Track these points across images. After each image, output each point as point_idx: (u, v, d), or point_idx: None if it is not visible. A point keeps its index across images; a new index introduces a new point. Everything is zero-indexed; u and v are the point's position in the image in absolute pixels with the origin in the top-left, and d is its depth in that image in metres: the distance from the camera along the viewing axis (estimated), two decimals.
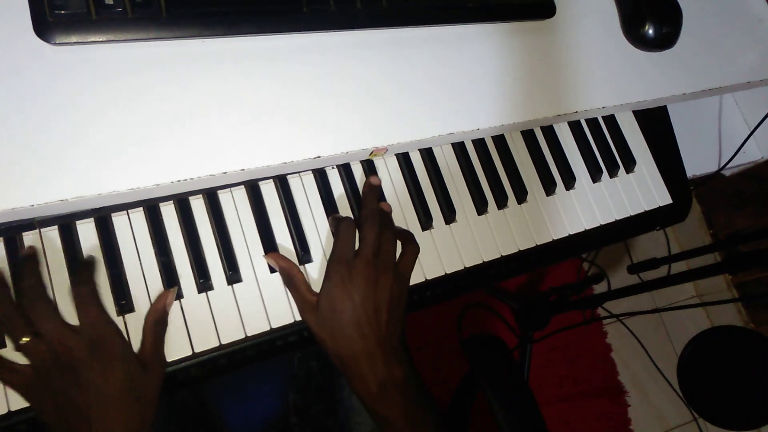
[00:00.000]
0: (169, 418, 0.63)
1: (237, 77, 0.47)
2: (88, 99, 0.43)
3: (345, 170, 0.57)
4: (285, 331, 0.53)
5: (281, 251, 0.53)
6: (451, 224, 0.60)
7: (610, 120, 0.69)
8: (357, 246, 0.52)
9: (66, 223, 0.48)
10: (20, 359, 0.44)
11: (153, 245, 0.50)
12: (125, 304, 0.48)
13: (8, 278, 0.45)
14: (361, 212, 0.54)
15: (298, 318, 0.53)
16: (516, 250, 0.61)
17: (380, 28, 0.52)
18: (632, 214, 0.67)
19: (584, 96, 0.59)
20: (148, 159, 0.44)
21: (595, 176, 0.66)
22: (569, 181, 0.65)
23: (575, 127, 0.67)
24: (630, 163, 0.68)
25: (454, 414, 0.98)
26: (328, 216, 0.56)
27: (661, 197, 0.69)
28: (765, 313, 1.62)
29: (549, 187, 0.64)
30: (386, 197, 0.58)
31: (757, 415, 1.00)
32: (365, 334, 0.50)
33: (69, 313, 0.46)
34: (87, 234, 0.49)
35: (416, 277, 0.57)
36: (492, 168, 0.62)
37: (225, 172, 0.46)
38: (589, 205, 0.65)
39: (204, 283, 0.51)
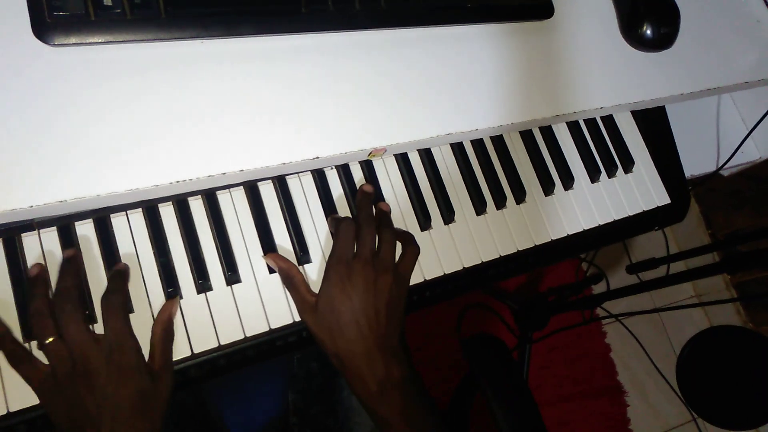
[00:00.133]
0: (169, 419, 0.63)
1: (236, 78, 0.48)
2: (87, 100, 0.43)
3: (344, 171, 0.58)
4: (284, 332, 0.53)
5: (280, 252, 0.54)
6: (449, 225, 0.60)
7: (609, 120, 0.69)
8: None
9: (65, 224, 0.48)
10: (42, 358, 0.45)
11: (152, 246, 0.50)
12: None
13: (47, 277, 0.46)
14: (358, 216, 0.54)
15: (298, 318, 0.53)
16: (515, 251, 0.61)
17: (379, 28, 0.52)
18: (630, 214, 0.67)
19: (582, 96, 0.59)
20: (146, 160, 0.44)
21: (594, 176, 0.66)
22: (568, 181, 0.65)
23: (574, 127, 0.67)
24: (628, 164, 0.68)
25: (454, 414, 0.98)
26: (327, 216, 0.56)
27: (660, 197, 0.69)
28: (764, 313, 1.62)
29: (547, 188, 0.64)
30: (385, 198, 0.58)
31: (756, 414, 1.00)
32: (364, 335, 0.50)
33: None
34: (86, 235, 0.49)
35: (415, 278, 0.57)
36: (491, 168, 0.62)
37: (224, 173, 0.46)
38: (587, 205, 0.65)
39: (203, 283, 0.51)
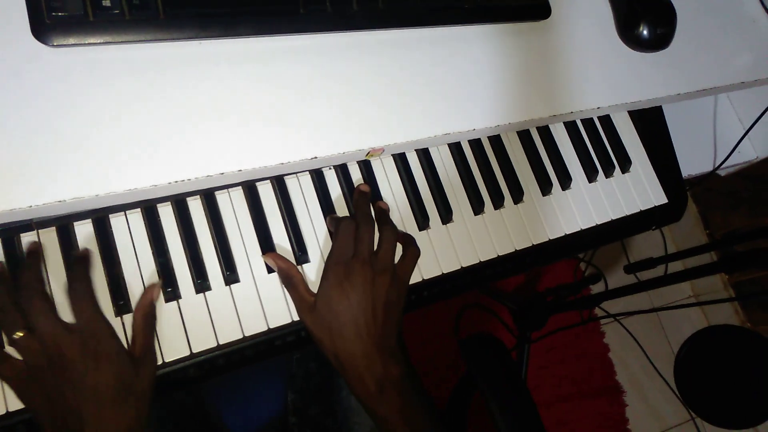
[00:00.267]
0: (168, 419, 0.63)
1: (234, 78, 0.48)
2: (86, 100, 0.43)
3: (342, 171, 0.58)
4: (283, 332, 0.53)
5: (279, 251, 0.54)
6: (447, 224, 0.60)
7: (606, 120, 0.70)
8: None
9: (64, 224, 0.48)
10: (15, 355, 0.44)
11: (151, 246, 0.50)
12: (123, 305, 0.48)
13: (7, 273, 0.46)
14: (356, 215, 0.54)
15: (296, 318, 0.53)
16: (512, 250, 0.62)
17: (376, 29, 0.52)
18: (628, 213, 0.67)
19: (580, 96, 0.59)
20: (145, 160, 0.44)
21: (591, 176, 0.67)
22: (565, 181, 0.65)
23: (571, 127, 0.68)
24: (625, 163, 0.68)
25: (452, 414, 0.98)
26: (325, 216, 0.56)
27: (657, 197, 0.69)
28: (761, 313, 1.62)
29: (545, 187, 0.64)
30: (383, 198, 0.58)
31: (754, 413, 1.01)
32: (362, 334, 0.50)
33: (67, 314, 0.46)
34: (85, 235, 0.49)
35: (413, 277, 0.57)
36: (488, 168, 0.63)
37: (222, 173, 0.46)
38: (585, 204, 0.66)
39: (202, 283, 0.51)
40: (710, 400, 1.03)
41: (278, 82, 0.49)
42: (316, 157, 0.49)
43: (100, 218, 0.49)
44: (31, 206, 0.40)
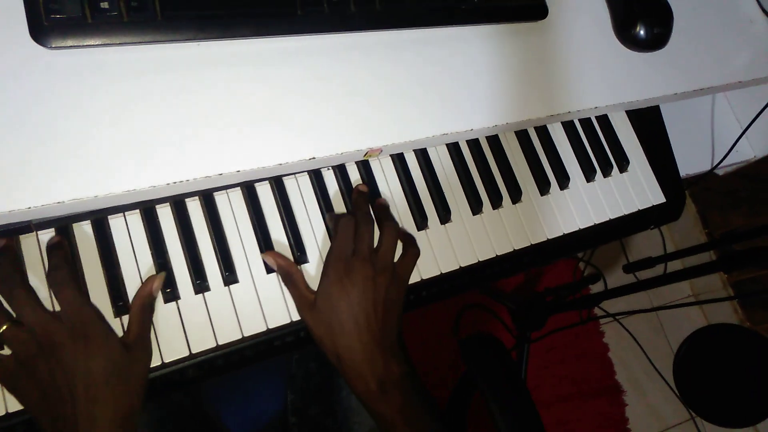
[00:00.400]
0: (168, 419, 0.63)
1: (232, 79, 0.48)
2: (84, 102, 0.43)
3: (340, 171, 0.58)
4: (282, 332, 0.53)
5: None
6: (446, 224, 0.60)
7: (604, 120, 0.70)
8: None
9: (63, 226, 0.48)
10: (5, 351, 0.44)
11: (150, 247, 0.51)
12: (122, 306, 0.48)
13: None
14: (356, 214, 0.54)
15: (295, 318, 0.53)
16: (511, 250, 0.62)
17: (374, 30, 0.52)
18: (626, 213, 0.67)
19: (577, 96, 0.59)
20: (144, 161, 0.44)
21: (589, 176, 0.67)
22: (563, 180, 0.65)
23: (569, 127, 0.68)
24: (623, 163, 0.68)
25: (452, 414, 0.98)
26: (324, 217, 0.56)
27: (655, 196, 0.69)
28: (761, 312, 1.62)
29: (543, 187, 0.64)
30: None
31: (753, 412, 1.01)
32: (363, 332, 0.50)
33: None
34: (84, 236, 0.49)
35: (412, 277, 0.57)
36: (486, 168, 0.63)
37: (221, 174, 0.46)
38: (583, 204, 0.66)
39: (201, 284, 0.51)
40: (709, 399, 1.03)
41: (276, 83, 0.49)
42: (314, 158, 0.49)
43: (99, 219, 0.50)
44: (29, 207, 0.40)
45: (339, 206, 0.57)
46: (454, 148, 0.62)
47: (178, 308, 0.50)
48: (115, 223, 0.50)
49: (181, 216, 0.52)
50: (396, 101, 0.52)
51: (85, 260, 0.49)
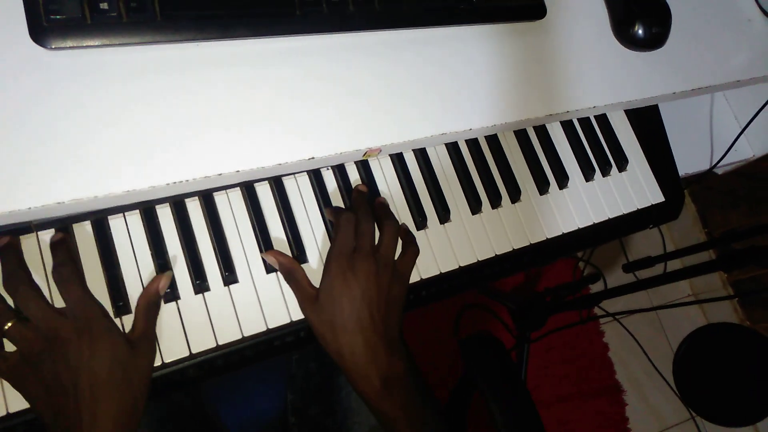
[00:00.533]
0: (168, 419, 0.63)
1: (231, 80, 0.48)
2: (84, 103, 0.43)
3: (340, 171, 0.58)
4: (282, 332, 0.53)
5: None
6: (445, 224, 0.60)
7: (602, 119, 0.70)
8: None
9: (63, 226, 0.49)
10: (8, 347, 0.44)
11: (149, 247, 0.51)
12: (122, 306, 0.48)
13: None
14: (356, 212, 0.54)
15: (295, 318, 0.53)
16: (510, 249, 0.62)
17: (373, 30, 0.53)
18: (625, 212, 0.68)
19: (575, 96, 0.60)
20: (144, 161, 0.44)
21: (588, 175, 0.67)
22: (562, 180, 0.65)
23: (568, 126, 0.68)
24: (622, 162, 0.69)
25: (452, 414, 0.98)
26: (323, 217, 0.56)
27: (654, 195, 0.69)
28: (761, 311, 1.62)
29: (542, 187, 0.64)
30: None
31: (753, 411, 1.01)
32: (366, 328, 0.50)
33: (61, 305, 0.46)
34: (84, 236, 0.49)
35: (412, 277, 0.57)
36: (485, 168, 0.63)
37: (220, 174, 0.46)
38: (582, 203, 0.66)
39: (201, 284, 0.51)
40: (709, 399, 1.03)
41: (275, 84, 0.49)
42: (313, 158, 0.49)
43: (99, 220, 0.50)
44: (30, 208, 0.40)
45: (338, 205, 0.57)
46: (453, 148, 0.63)
47: (178, 308, 0.50)
48: (115, 223, 0.50)
49: (180, 216, 0.52)
50: (395, 101, 0.53)
51: (85, 260, 0.49)
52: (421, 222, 0.59)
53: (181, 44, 0.46)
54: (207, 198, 0.53)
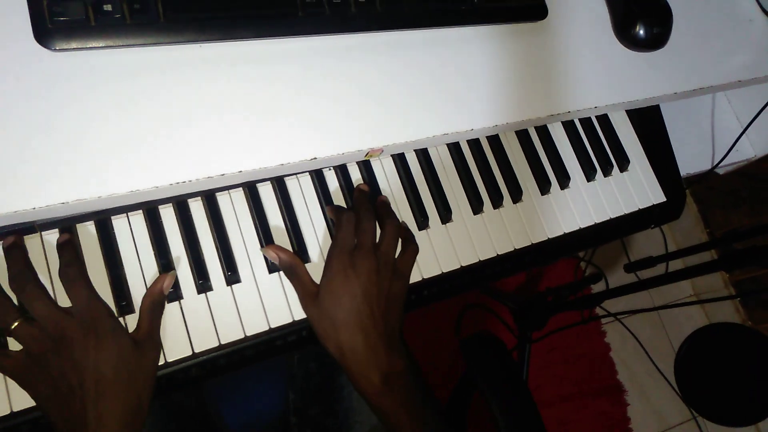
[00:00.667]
0: (170, 419, 0.63)
1: (234, 81, 0.48)
2: (88, 103, 0.44)
3: (342, 171, 0.58)
4: (284, 331, 0.54)
5: None
6: (447, 224, 0.60)
7: (604, 119, 0.70)
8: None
9: (67, 226, 0.49)
10: (15, 346, 0.45)
11: (152, 247, 0.51)
12: (125, 306, 0.49)
13: None
14: (358, 210, 0.55)
15: (297, 318, 0.53)
16: (512, 249, 0.62)
17: (375, 31, 0.53)
18: (626, 212, 0.68)
19: (577, 96, 0.60)
20: (147, 162, 0.44)
21: (590, 175, 0.67)
22: (564, 180, 0.65)
23: (569, 126, 0.68)
24: (624, 162, 0.69)
25: (452, 414, 0.98)
26: (325, 217, 0.56)
27: (655, 195, 0.69)
28: (762, 311, 1.62)
29: (544, 187, 0.65)
30: None
31: (755, 410, 1.01)
32: (366, 325, 0.50)
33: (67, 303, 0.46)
34: (87, 236, 0.49)
35: (413, 277, 0.57)
36: (487, 168, 0.63)
37: (223, 174, 0.46)
38: (583, 203, 0.66)
39: (203, 284, 0.51)
40: (711, 398, 1.03)
41: (278, 84, 0.49)
42: (315, 158, 0.49)
43: (103, 220, 0.50)
44: (34, 208, 0.41)
45: (340, 204, 0.57)
46: (454, 148, 0.63)
47: (181, 308, 0.51)
48: (119, 223, 0.51)
49: (183, 216, 0.52)
50: (397, 102, 0.53)
51: (88, 260, 0.49)
52: (422, 222, 0.59)
53: (183, 45, 0.46)
54: (210, 198, 0.53)
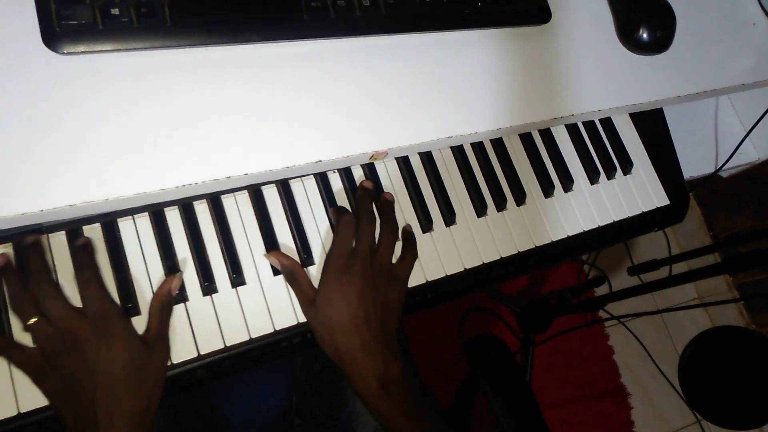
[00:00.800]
0: (175, 420, 0.63)
1: (240, 84, 0.49)
2: (95, 106, 0.44)
3: (346, 174, 0.58)
4: (288, 333, 0.54)
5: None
6: (450, 226, 0.61)
7: (607, 122, 0.70)
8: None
9: (73, 229, 0.49)
10: (29, 343, 0.45)
11: (158, 249, 0.51)
12: (132, 308, 0.49)
13: (15, 265, 0.47)
14: (358, 212, 0.55)
15: (302, 320, 0.53)
16: (515, 252, 0.62)
17: (379, 34, 0.53)
18: (630, 215, 0.68)
19: (580, 99, 0.60)
20: (153, 164, 0.45)
21: (593, 178, 0.67)
22: (567, 183, 0.66)
23: (572, 129, 0.68)
24: (627, 165, 0.69)
25: (455, 416, 0.98)
26: (329, 219, 0.57)
27: (659, 198, 0.69)
28: (766, 314, 1.62)
29: (547, 189, 0.65)
30: None
31: (758, 414, 1.01)
32: (362, 329, 0.51)
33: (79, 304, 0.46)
34: (93, 239, 0.50)
35: (417, 279, 0.57)
36: (491, 171, 0.63)
37: (228, 177, 0.47)
38: (587, 206, 0.66)
39: (208, 286, 0.51)
40: (715, 402, 1.03)
41: (283, 87, 0.50)
42: (320, 161, 0.49)
43: (109, 222, 0.50)
44: (42, 210, 0.41)
45: (344, 206, 0.58)
46: (458, 151, 0.63)
47: (187, 310, 0.51)
48: (125, 225, 0.51)
49: (189, 219, 0.52)
50: (402, 105, 0.53)
51: None
52: (426, 224, 0.59)
53: (190, 49, 0.47)
54: (215, 201, 0.54)
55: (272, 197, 0.56)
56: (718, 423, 1.03)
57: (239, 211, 0.54)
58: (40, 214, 0.42)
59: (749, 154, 0.88)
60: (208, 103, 0.47)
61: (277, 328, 0.53)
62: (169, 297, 0.49)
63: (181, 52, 0.47)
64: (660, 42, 0.63)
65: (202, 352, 0.50)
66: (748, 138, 0.84)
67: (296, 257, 0.55)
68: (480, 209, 0.62)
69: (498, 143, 0.65)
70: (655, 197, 0.69)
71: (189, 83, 0.47)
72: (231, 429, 0.70)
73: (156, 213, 0.52)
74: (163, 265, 0.51)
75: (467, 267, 0.60)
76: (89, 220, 0.50)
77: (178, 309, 0.51)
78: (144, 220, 0.51)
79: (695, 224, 1.71)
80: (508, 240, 0.62)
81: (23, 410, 0.45)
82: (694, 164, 0.85)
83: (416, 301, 0.59)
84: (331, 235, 0.56)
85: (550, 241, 0.64)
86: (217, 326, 0.51)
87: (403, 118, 0.53)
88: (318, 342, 0.52)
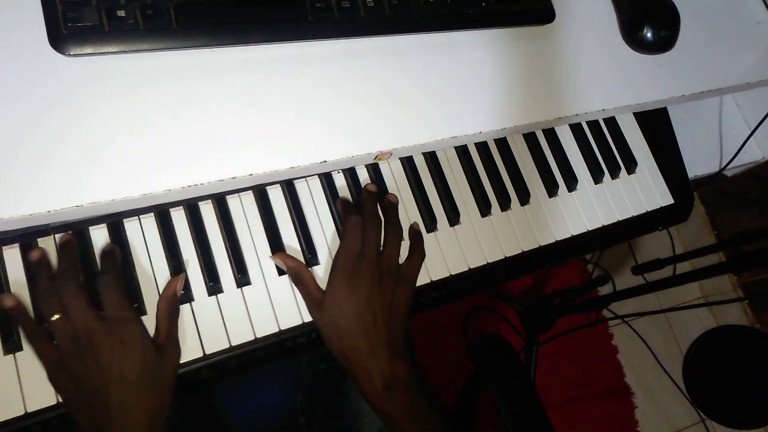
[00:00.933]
0: (180, 419, 0.64)
1: (245, 85, 0.49)
2: (101, 108, 0.44)
3: (350, 174, 0.59)
4: (293, 333, 0.54)
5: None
6: (455, 226, 0.61)
7: (611, 122, 0.70)
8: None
9: (79, 230, 0.49)
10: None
11: (164, 250, 0.51)
12: (137, 308, 0.49)
13: (49, 261, 0.47)
14: (363, 215, 0.55)
15: (307, 319, 0.54)
16: (519, 251, 0.62)
17: (384, 35, 0.53)
18: (634, 214, 0.68)
19: (584, 98, 0.60)
20: (159, 165, 0.45)
21: (597, 177, 0.67)
22: (571, 182, 0.66)
23: (576, 129, 0.68)
24: (631, 164, 0.69)
25: (460, 415, 0.98)
26: (334, 219, 0.57)
27: (663, 197, 0.69)
28: None
29: (551, 189, 0.65)
30: None
31: (763, 413, 1.00)
32: (369, 332, 0.51)
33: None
34: (100, 239, 0.50)
35: (422, 279, 0.58)
36: (495, 170, 0.63)
37: (234, 177, 0.47)
38: (591, 206, 0.66)
39: (214, 286, 0.52)
40: (719, 401, 1.03)
41: (287, 89, 0.50)
42: (325, 161, 0.50)
43: (115, 223, 0.51)
44: (49, 211, 0.41)
45: (348, 198, 0.58)
46: (462, 151, 0.63)
47: (192, 310, 0.51)
48: (130, 226, 0.51)
49: (194, 219, 0.53)
50: (406, 105, 0.53)
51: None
52: (431, 224, 0.59)
53: (195, 50, 0.47)
54: (220, 201, 0.54)
55: (277, 197, 0.56)
56: (722, 422, 1.03)
57: (244, 212, 0.54)
58: (47, 215, 0.42)
59: (754, 153, 0.88)
60: (213, 105, 0.47)
61: (282, 328, 0.53)
62: (175, 298, 0.49)
63: (186, 53, 0.47)
64: (664, 41, 0.63)
65: (207, 352, 0.50)
66: (752, 137, 0.84)
67: (301, 257, 0.55)
68: (484, 209, 0.62)
69: (502, 143, 0.65)
70: (660, 196, 0.69)
71: (195, 84, 0.47)
72: (236, 429, 0.70)
73: (161, 213, 0.52)
74: (169, 266, 0.51)
75: (471, 266, 0.60)
76: (95, 220, 0.50)
77: (184, 309, 0.51)
78: (150, 221, 0.52)
79: (699, 223, 1.70)
80: (512, 239, 0.62)
81: (30, 410, 0.46)
82: (698, 163, 0.85)
83: (420, 300, 0.59)
84: (336, 235, 0.57)
85: (554, 241, 0.64)
86: (222, 326, 0.51)
87: (407, 119, 0.53)
88: (325, 343, 0.53)
